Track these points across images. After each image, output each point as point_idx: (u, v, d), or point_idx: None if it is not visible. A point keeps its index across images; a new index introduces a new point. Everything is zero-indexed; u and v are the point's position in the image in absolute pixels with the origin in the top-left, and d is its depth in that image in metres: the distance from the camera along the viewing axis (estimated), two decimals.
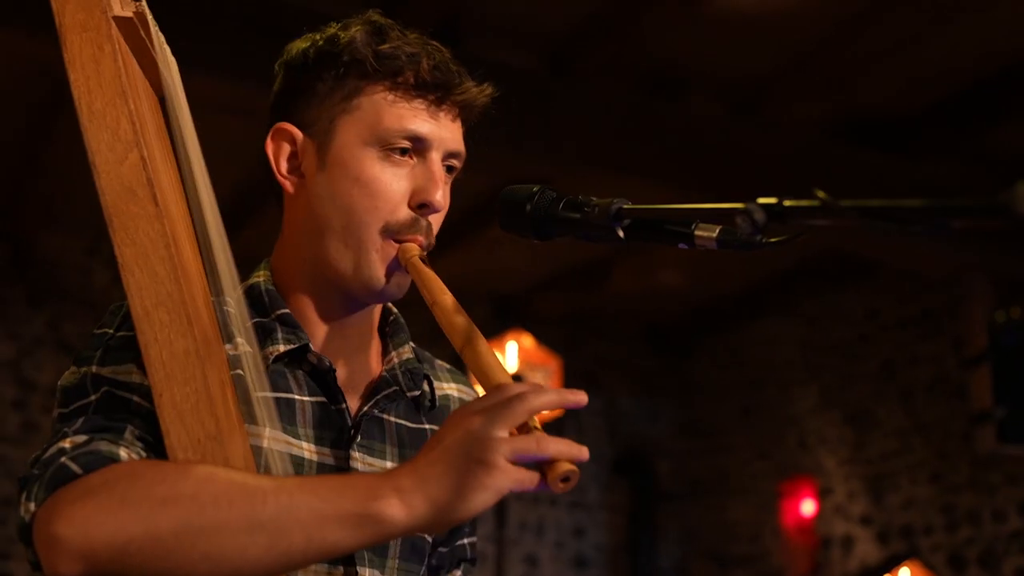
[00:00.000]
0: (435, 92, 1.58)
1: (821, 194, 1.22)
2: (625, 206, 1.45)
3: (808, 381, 7.89)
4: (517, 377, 6.48)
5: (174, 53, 1.60)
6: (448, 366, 1.80)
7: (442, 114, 1.59)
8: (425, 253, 1.59)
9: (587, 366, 8.52)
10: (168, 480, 1.27)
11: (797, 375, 7.99)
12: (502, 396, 1.28)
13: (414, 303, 1.66)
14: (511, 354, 6.46)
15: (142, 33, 1.48)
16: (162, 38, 1.56)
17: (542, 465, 1.26)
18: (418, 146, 1.57)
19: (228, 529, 1.23)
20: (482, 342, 1.45)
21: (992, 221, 1.07)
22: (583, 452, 1.27)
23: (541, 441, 1.25)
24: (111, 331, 1.49)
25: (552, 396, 1.30)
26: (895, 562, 6.74)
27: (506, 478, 1.23)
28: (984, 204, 1.07)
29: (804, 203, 1.26)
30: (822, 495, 7.62)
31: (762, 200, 1.29)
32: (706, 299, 8.29)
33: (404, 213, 1.56)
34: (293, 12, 4.80)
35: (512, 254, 7.19)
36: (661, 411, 8.87)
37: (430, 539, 1.66)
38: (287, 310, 1.58)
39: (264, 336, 1.55)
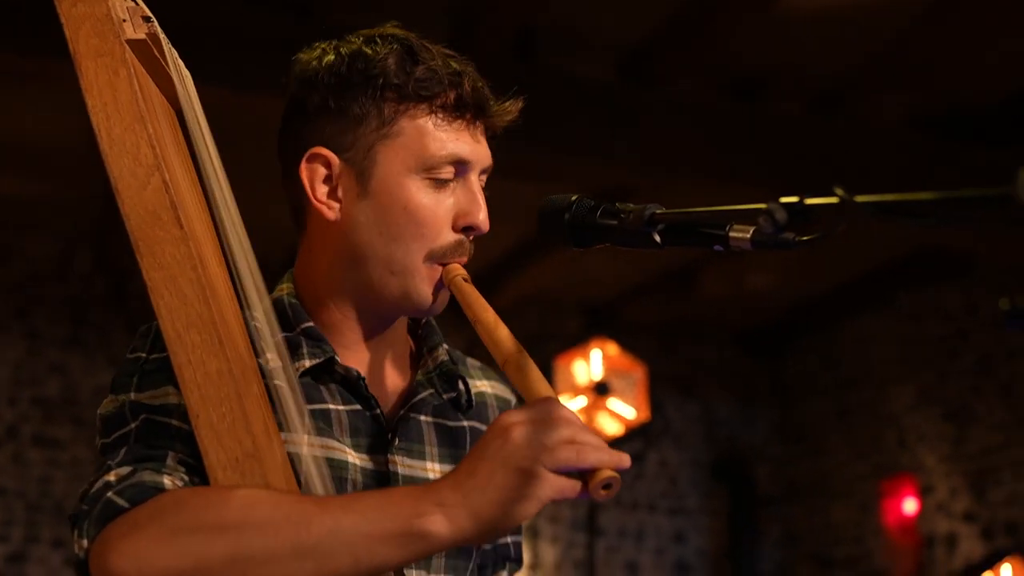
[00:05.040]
0: (471, 111, 1.58)
1: (839, 190, 1.24)
2: (658, 211, 1.48)
3: (905, 378, 7.78)
4: (603, 386, 6.52)
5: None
6: (478, 363, 1.79)
7: (478, 132, 1.60)
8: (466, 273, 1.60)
9: (681, 372, 8.51)
10: (213, 509, 1.30)
11: (894, 373, 7.88)
12: (548, 410, 1.30)
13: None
14: (595, 362, 6.47)
15: (155, 52, 1.49)
16: (175, 54, 1.57)
17: (584, 473, 1.27)
18: (460, 168, 1.58)
19: (276, 557, 1.26)
20: (525, 357, 1.46)
21: (1000, 210, 1.09)
22: (624, 459, 1.29)
23: (582, 451, 1.26)
24: (144, 355, 1.50)
25: (598, 445, 1.29)
26: (997, 558, 6.63)
27: (548, 488, 1.25)
28: (990, 193, 1.09)
29: (824, 200, 1.28)
30: (924, 493, 7.51)
31: (784, 199, 1.31)
32: (797, 299, 8.21)
33: (449, 237, 1.57)
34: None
35: (599, 264, 7.21)
36: (757, 415, 8.81)
37: None
38: (311, 323, 1.58)
39: (290, 351, 1.55)
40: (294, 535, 1.26)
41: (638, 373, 6.55)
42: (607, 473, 1.26)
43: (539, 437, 1.26)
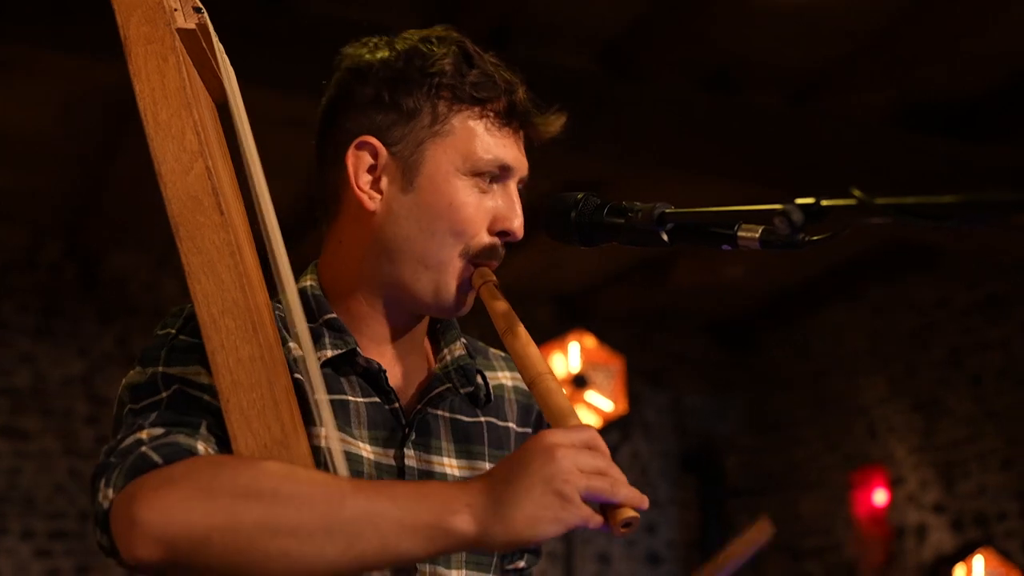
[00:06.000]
0: (519, 120, 1.62)
1: (857, 192, 1.24)
2: (668, 210, 1.48)
3: (876, 370, 7.83)
4: (581, 379, 6.52)
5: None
6: (503, 354, 1.79)
7: (521, 141, 1.64)
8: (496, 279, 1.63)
9: (653, 363, 8.52)
10: (250, 473, 1.30)
11: (864, 364, 7.93)
12: (589, 438, 1.33)
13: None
14: (573, 355, 6.47)
15: (203, 44, 1.52)
16: (222, 48, 1.60)
17: (606, 507, 1.31)
18: (503, 174, 1.61)
19: (307, 529, 1.27)
20: (553, 378, 1.48)
21: (1020, 213, 1.09)
22: (645, 501, 1.32)
23: (615, 485, 1.30)
24: (173, 331, 1.51)
25: (625, 481, 1.33)
26: (968, 550, 6.69)
27: (577, 514, 1.28)
28: (1011, 196, 1.09)
29: (841, 202, 1.28)
30: (894, 485, 7.56)
31: (800, 200, 1.31)
32: (770, 291, 8.24)
33: (485, 239, 1.60)
34: (344, 25, 4.84)
35: (574, 254, 7.20)
36: (728, 406, 8.84)
37: None
38: (334, 315, 1.60)
39: (312, 341, 1.56)
40: (327, 511, 1.27)
41: (616, 366, 6.56)
42: (630, 512, 1.30)
43: (580, 464, 1.29)
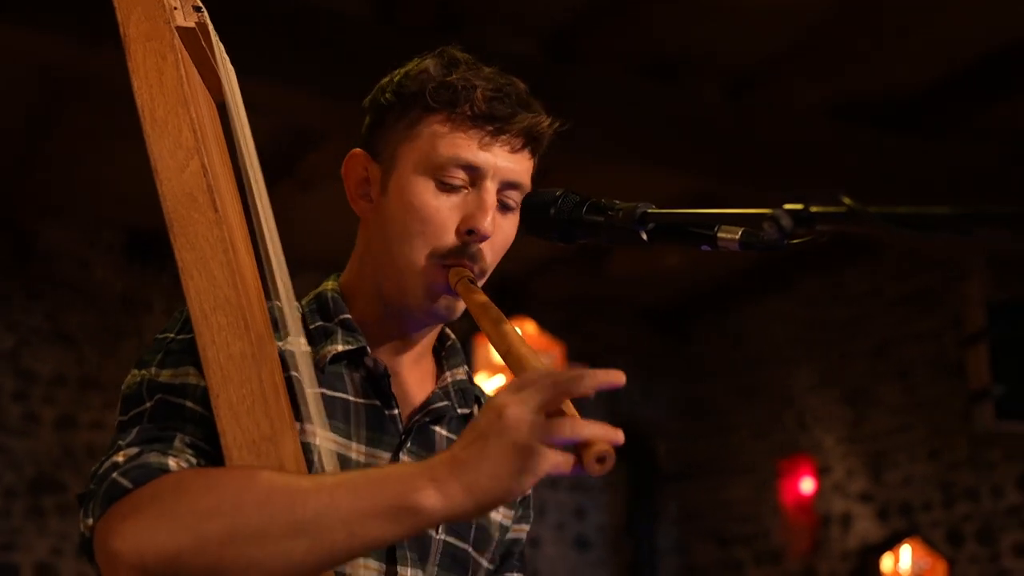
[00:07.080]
0: (492, 123, 1.62)
1: (848, 200, 1.24)
2: (649, 210, 1.48)
3: (806, 360, 7.91)
4: None
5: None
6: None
7: (498, 145, 1.63)
8: (478, 278, 1.63)
9: (586, 349, 8.52)
10: (212, 489, 1.31)
11: (795, 354, 8.02)
12: (534, 379, 1.29)
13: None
14: None
15: (203, 43, 1.53)
16: (222, 47, 1.60)
17: (577, 448, 1.26)
18: (472, 175, 1.61)
19: (272, 535, 1.27)
20: (529, 348, 1.47)
21: (1013, 227, 1.10)
22: (618, 435, 1.27)
23: (575, 424, 1.25)
24: (172, 335, 1.54)
25: (586, 379, 1.28)
26: (896, 540, 6.80)
27: (544, 461, 1.23)
28: (1006, 210, 1.09)
29: (831, 209, 1.28)
30: (821, 473, 7.66)
31: (788, 206, 1.32)
32: (705, 280, 8.29)
33: (451, 239, 1.61)
34: (297, 11, 4.81)
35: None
36: (660, 392, 8.89)
37: (472, 551, 1.69)
38: (349, 316, 1.64)
39: (324, 337, 1.62)
40: (289, 513, 1.27)
41: (556, 352, 6.58)
42: (602, 446, 1.24)
43: (533, 410, 1.25)
